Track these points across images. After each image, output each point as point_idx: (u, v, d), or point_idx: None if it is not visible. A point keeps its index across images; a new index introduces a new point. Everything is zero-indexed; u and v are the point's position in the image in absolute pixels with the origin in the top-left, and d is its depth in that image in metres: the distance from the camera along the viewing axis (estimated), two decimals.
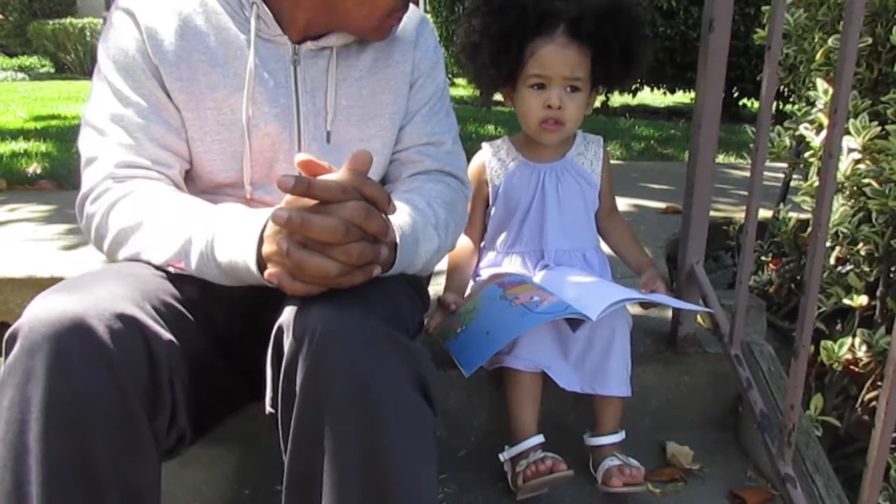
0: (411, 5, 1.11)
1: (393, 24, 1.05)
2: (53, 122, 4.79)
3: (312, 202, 0.79)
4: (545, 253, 1.34)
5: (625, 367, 1.22)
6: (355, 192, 0.79)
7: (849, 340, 1.35)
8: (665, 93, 6.42)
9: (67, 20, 11.64)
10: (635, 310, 1.35)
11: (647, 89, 6.42)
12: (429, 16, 7.85)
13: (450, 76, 8.18)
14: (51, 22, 11.79)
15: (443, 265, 1.37)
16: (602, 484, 1.19)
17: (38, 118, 5.05)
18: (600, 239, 1.42)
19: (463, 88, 8.23)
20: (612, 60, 1.24)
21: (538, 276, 1.31)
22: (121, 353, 0.78)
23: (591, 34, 1.22)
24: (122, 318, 0.79)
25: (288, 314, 0.83)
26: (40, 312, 0.77)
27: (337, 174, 0.80)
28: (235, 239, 0.85)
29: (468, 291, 1.33)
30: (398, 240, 0.90)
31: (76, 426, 0.76)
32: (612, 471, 1.17)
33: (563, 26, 1.23)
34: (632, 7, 1.25)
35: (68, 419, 0.75)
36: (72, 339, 0.76)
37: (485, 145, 1.41)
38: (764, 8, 1.59)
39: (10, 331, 0.78)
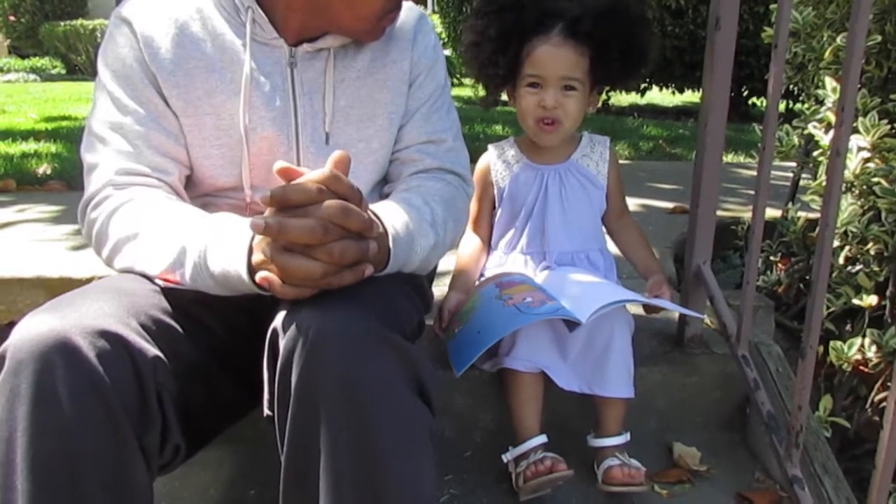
0: (410, 3, 1.10)
1: (386, 24, 1.04)
2: (64, 123, 4.82)
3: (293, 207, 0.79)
4: (547, 254, 1.33)
5: (625, 368, 1.21)
6: (331, 192, 0.79)
7: (858, 340, 1.34)
8: (674, 92, 6.39)
9: (78, 22, 11.73)
10: (640, 313, 1.34)
11: (655, 89, 6.39)
12: (437, 17, 7.85)
13: (458, 76, 8.18)
14: (62, 23, 11.88)
15: (450, 265, 1.37)
16: (602, 483, 1.19)
17: (48, 119, 5.09)
18: (608, 240, 1.41)
19: (470, 89, 8.23)
20: (611, 60, 1.24)
21: (540, 277, 1.31)
22: (105, 370, 0.78)
23: (588, 34, 1.22)
24: (105, 335, 0.79)
25: (281, 317, 0.83)
26: (26, 331, 0.78)
27: (309, 174, 0.80)
28: (227, 249, 0.85)
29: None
30: (391, 238, 0.90)
31: (61, 444, 0.76)
32: (612, 470, 1.17)
33: (561, 26, 1.23)
34: (634, 6, 1.24)
35: (52, 438, 0.75)
36: (55, 357, 0.76)
37: (491, 147, 1.41)
38: (772, 6, 1.58)
39: None
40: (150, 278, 0.94)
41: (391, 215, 0.93)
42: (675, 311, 1.29)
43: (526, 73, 1.26)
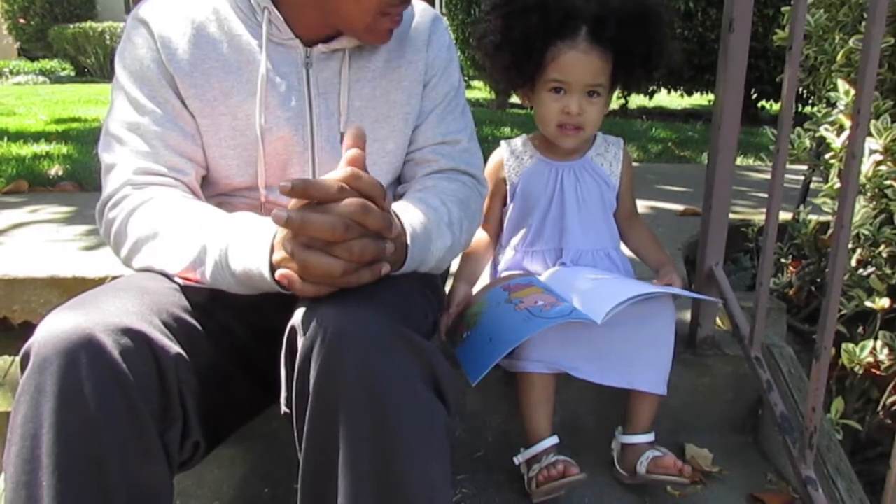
0: (425, 4, 1.11)
1: (388, 25, 1.02)
2: (74, 125, 4.84)
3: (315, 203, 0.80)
4: (564, 251, 1.33)
5: (666, 363, 1.21)
6: (352, 190, 0.80)
7: (870, 343, 1.34)
8: (682, 95, 6.39)
9: (88, 24, 11.79)
10: None
11: (664, 91, 6.40)
12: (445, 18, 7.88)
13: (465, 78, 8.20)
14: (71, 26, 11.94)
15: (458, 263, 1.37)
16: (647, 473, 1.17)
17: (58, 121, 5.11)
18: (621, 241, 1.41)
19: (479, 91, 8.24)
20: (634, 66, 1.24)
21: (547, 274, 1.30)
22: (129, 367, 0.79)
23: (613, 39, 1.21)
24: (129, 332, 0.80)
25: (300, 315, 0.83)
26: (51, 329, 0.78)
27: (332, 172, 0.81)
28: (248, 247, 0.86)
29: (477, 289, 1.33)
30: (409, 237, 0.91)
31: (85, 442, 0.77)
32: (664, 459, 1.17)
33: (586, 30, 1.21)
34: (657, 10, 1.23)
35: (77, 435, 0.76)
36: (80, 354, 0.77)
37: (503, 143, 1.40)
38: (784, 9, 1.58)
39: (24, 348, 0.80)
40: (169, 277, 0.95)
41: (409, 215, 0.94)
42: (688, 296, 1.27)
43: (550, 78, 1.24)
